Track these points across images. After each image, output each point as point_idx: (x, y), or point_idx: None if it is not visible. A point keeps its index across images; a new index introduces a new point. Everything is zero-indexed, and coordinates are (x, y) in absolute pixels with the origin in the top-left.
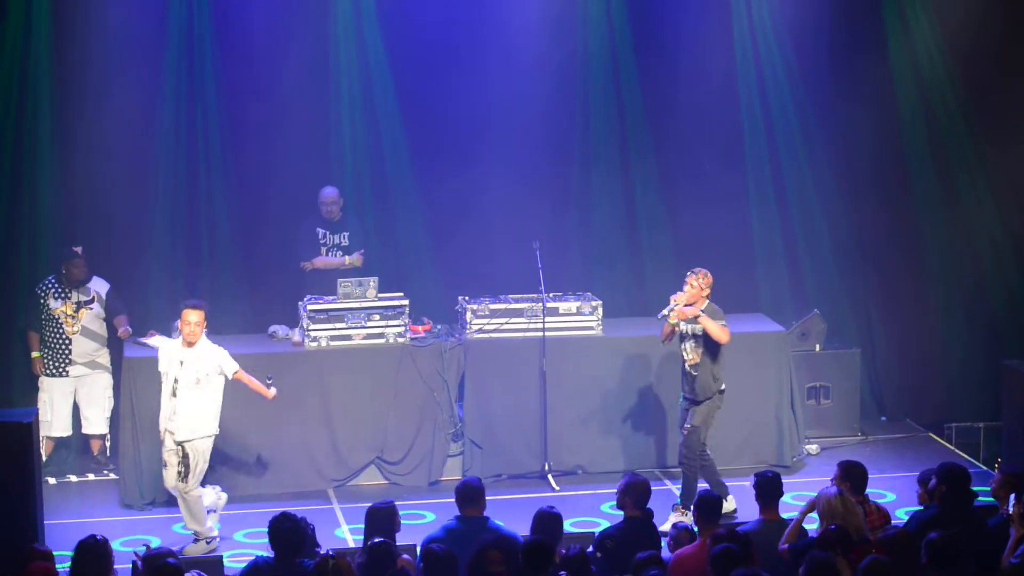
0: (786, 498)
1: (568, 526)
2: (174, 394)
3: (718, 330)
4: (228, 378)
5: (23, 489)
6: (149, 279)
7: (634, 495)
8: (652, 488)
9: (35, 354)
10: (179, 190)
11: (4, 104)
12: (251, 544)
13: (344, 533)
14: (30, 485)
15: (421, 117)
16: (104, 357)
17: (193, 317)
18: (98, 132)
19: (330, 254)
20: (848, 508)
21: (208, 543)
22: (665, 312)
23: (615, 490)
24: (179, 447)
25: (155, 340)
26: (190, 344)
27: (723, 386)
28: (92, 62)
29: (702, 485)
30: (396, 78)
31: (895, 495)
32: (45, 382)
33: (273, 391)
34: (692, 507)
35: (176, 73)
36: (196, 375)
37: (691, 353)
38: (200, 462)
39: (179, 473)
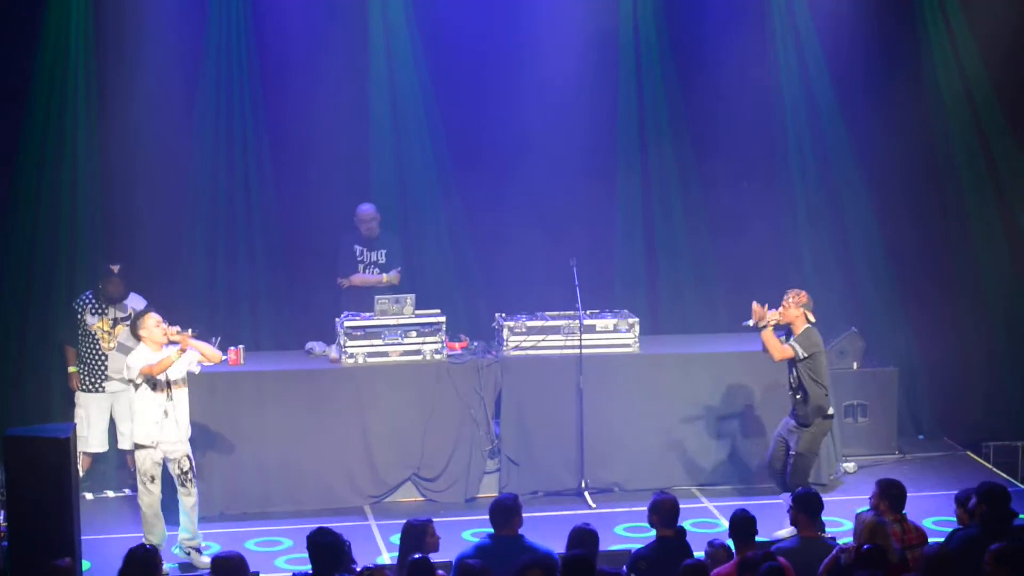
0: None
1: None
2: (169, 398)
3: (773, 346)
4: (196, 365)
5: (60, 504)
6: (186, 295)
7: (661, 514)
8: (688, 506)
9: (72, 369)
10: (217, 206)
11: (44, 118)
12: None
13: (383, 558)
14: (67, 500)
15: (459, 133)
16: None
17: (156, 320)
18: (137, 146)
19: (367, 271)
20: (876, 532)
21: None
22: (751, 324)
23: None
24: (181, 456)
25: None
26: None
27: (830, 411)
28: (131, 77)
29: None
30: (434, 94)
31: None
32: (82, 397)
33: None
34: (728, 526)
35: (215, 89)
36: (180, 374)
37: (793, 375)
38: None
39: (191, 480)
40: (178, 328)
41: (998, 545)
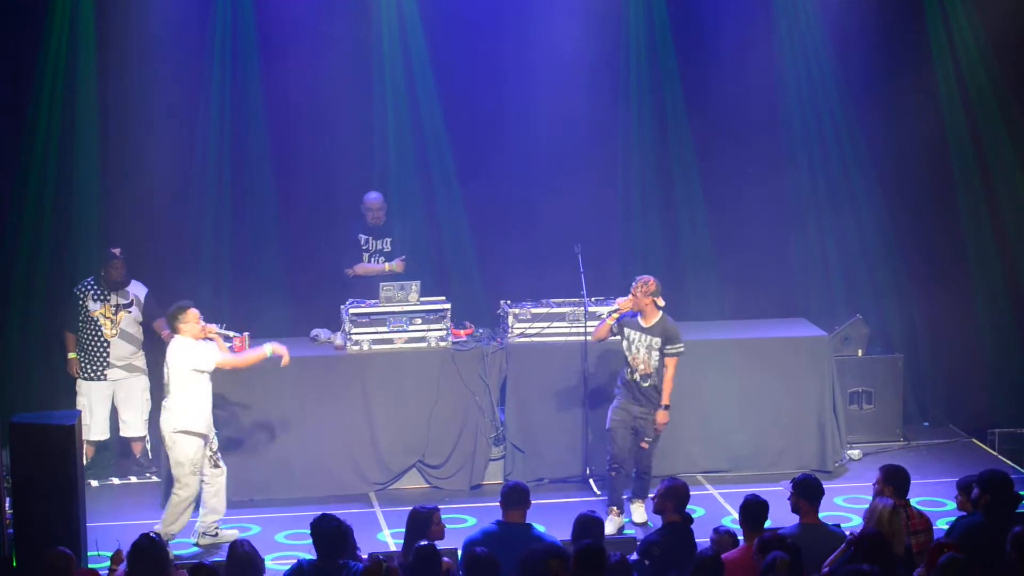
0: (827, 504)
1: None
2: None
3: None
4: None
5: (66, 492)
6: (190, 282)
7: (675, 499)
8: (693, 493)
9: (71, 355)
10: (221, 192)
11: (47, 105)
12: (292, 545)
13: (385, 537)
14: (73, 488)
15: (464, 121)
16: (141, 360)
17: (197, 315)
18: (140, 133)
19: (372, 260)
20: (894, 524)
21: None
22: (607, 311)
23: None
24: (213, 436)
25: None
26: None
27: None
28: (134, 64)
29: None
30: (440, 81)
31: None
32: (83, 386)
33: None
34: (739, 510)
35: (219, 75)
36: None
37: (643, 362)
38: None
39: (219, 457)
40: (216, 327)
41: (1019, 529)
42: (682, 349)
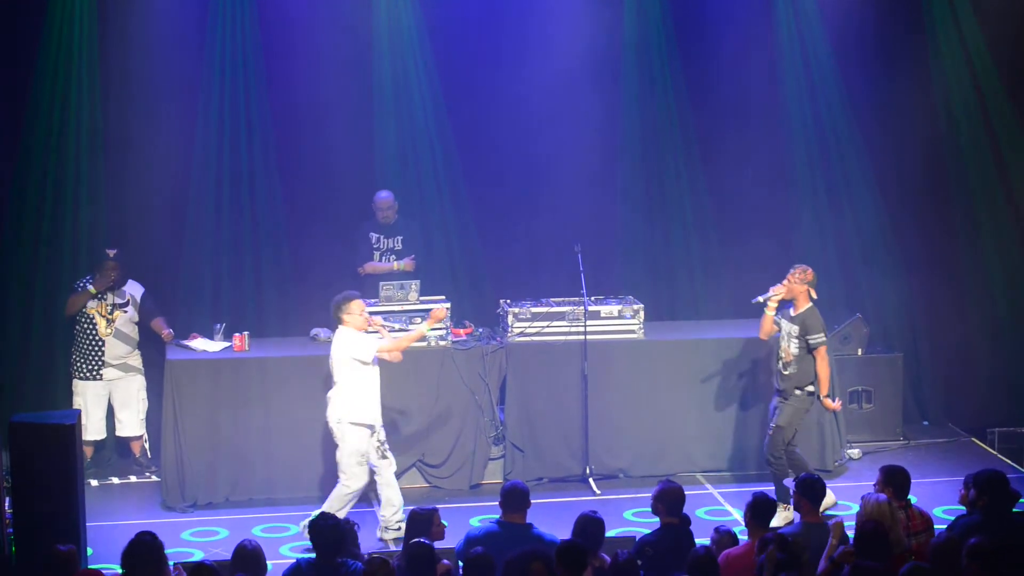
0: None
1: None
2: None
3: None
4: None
5: (65, 491)
6: (189, 281)
7: (667, 502)
8: (692, 492)
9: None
10: (222, 192)
11: (48, 104)
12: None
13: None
14: (72, 487)
15: (464, 120)
16: (136, 360)
17: (362, 306)
18: (139, 133)
19: (383, 258)
20: (894, 516)
21: None
22: (761, 299)
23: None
24: (380, 427)
25: (197, 342)
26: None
27: (809, 387)
28: (134, 64)
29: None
30: (438, 80)
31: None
32: (79, 385)
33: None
34: (746, 508)
35: (220, 75)
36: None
37: (785, 351)
38: None
39: (387, 448)
40: (381, 319)
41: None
42: (822, 339)
